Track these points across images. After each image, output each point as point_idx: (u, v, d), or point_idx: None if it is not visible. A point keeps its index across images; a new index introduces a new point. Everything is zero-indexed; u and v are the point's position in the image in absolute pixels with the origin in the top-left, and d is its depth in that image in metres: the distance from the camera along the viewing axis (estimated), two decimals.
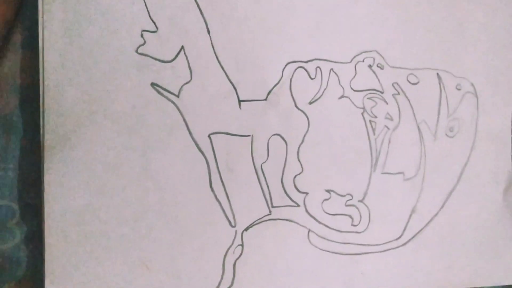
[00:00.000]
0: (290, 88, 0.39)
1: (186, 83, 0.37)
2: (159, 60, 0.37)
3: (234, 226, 0.38)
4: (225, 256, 0.38)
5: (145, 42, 0.36)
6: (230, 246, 0.38)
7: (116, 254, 0.36)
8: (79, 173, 0.36)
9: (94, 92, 0.36)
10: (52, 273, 0.35)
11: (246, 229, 0.38)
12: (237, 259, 0.38)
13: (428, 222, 0.42)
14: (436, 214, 0.42)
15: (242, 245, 0.38)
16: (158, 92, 0.37)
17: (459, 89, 0.43)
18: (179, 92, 0.37)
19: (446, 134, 0.42)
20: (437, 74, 0.42)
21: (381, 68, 0.41)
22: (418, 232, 0.42)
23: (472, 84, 0.43)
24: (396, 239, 0.42)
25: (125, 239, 0.36)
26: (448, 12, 0.42)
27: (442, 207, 0.42)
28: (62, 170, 0.35)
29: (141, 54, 0.36)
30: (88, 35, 0.36)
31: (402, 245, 0.42)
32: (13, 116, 0.37)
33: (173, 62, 0.37)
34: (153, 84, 0.36)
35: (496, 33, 0.43)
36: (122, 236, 0.36)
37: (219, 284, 0.38)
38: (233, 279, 0.38)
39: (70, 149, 0.35)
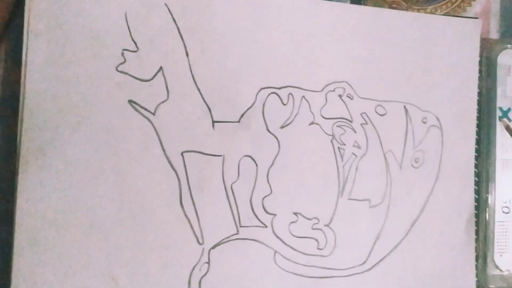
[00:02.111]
0: (263, 112, 0.40)
1: (163, 102, 0.38)
2: (138, 79, 0.38)
3: (202, 244, 0.39)
4: (191, 273, 0.39)
5: (125, 61, 0.38)
6: (197, 263, 0.39)
7: (84, 266, 0.37)
8: (52, 184, 0.36)
9: (73, 106, 0.37)
10: (18, 282, 0.36)
11: (213, 247, 0.39)
12: (203, 277, 0.39)
13: (392, 249, 0.43)
14: (400, 242, 0.44)
15: (208, 262, 0.39)
16: (135, 109, 0.38)
17: (424, 122, 0.45)
18: (155, 110, 0.38)
19: (411, 165, 0.44)
20: (404, 107, 0.44)
21: (351, 98, 0.43)
22: (382, 259, 0.43)
23: (437, 118, 0.45)
24: (361, 264, 0.43)
25: (94, 251, 0.37)
26: (416, 50, 0.44)
27: (406, 235, 0.44)
28: (36, 180, 0.36)
29: (121, 72, 0.38)
30: (70, 52, 0.37)
31: (367, 270, 0.43)
32: None
33: (151, 81, 0.38)
34: (130, 101, 0.38)
35: (460, 71, 0.46)
36: (91, 249, 0.37)
37: None
38: None
39: (45, 161, 0.36)
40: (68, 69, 0.37)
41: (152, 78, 0.38)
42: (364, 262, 0.43)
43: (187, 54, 0.39)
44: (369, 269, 0.43)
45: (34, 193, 0.36)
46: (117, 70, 0.38)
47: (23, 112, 0.36)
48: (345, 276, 0.42)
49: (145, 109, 0.38)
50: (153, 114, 0.38)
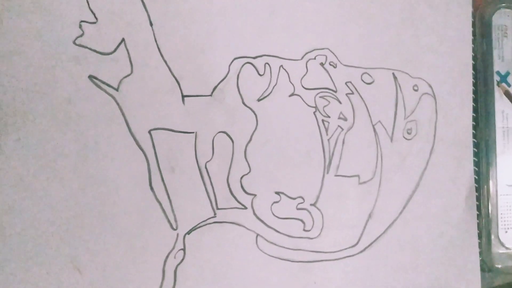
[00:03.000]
0: (237, 84, 0.37)
1: (126, 76, 0.35)
2: (98, 52, 0.35)
3: (176, 229, 0.36)
4: (165, 261, 0.35)
5: (83, 33, 0.35)
6: (171, 251, 0.35)
7: (45, 256, 0.33)
8: (10, 167, 0.33)
9: (29, 83, 0.34)
10: None
11: (188, 232, 0.36)
12: (178, 265, 0.36)
13: (386, 229, 0.40)
14: (394, 221, 0.40)
15: (184, 249, 0.36)
16: (96, 85, 0.35)
17: (416, 90, 0.41)
18: (119, 85, 0.35)
19: (403, 136, 0.41)
20: (393, 74, 0.41)
21: (334, 66, 0.39)
22: (376, 239, 0.40)
23: (430, 85, 0.42)
24: (352, 246, 0.39)
25: (56, 239, 0.34)
26: (403, 12, 0.41)
27: (400, 213, 0.40)
28: None
29: (79, 45, 0.35)
30: (23, 24, 0.34)
31: (359, 252, 0.39)
32: None
33: (113, 54, 0.35)
34: (90, 77, 0.35)
35: (452, 34, 0.42)
36: (53, 236, 0.34)
37: None
38: (174, 286, 0.35)
39: (2, 142, 0.33)
40: (21, 43, 0.34)
41: (113, 51, 0.35)
42: (356, 244, 0.39)
43: (151, 24, 0.36)
44: (361, 251, 0.39)
45: None
46: (74, 43, 0.35)
47: None
48: (335, 259, 0.39)
49: (108, 85, 0.35)
50: (116, 90, 0.35)
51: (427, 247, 0.40)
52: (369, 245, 0.39)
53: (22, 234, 0.33)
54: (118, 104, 0.35)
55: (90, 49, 0.35)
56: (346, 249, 0.39)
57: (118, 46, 0.35)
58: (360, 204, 0.39)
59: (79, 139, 0.34)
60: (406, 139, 0.41)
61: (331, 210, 0.39)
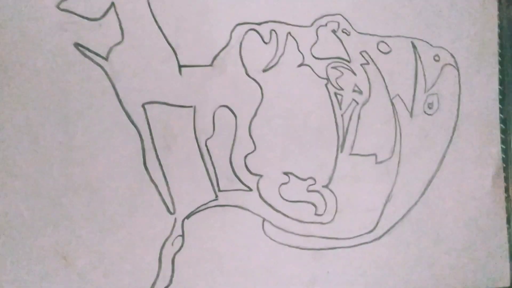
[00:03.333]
0: (240, 53, 0.34)
1: (116, 44, 0.32)
2: (85, 18, 0.31)
3: (173, 213, 0.32)
4: (162, 248, 0.32)
5: None
6: (168, 237, 0.32)
7: (27, 242, 0.30)
8: None
9: (9, 51, 0.30)
10: None
11: (187, 217, 0.32)
12: (176, 253, 0.32)
13: (406, 213, 0.36)
14: (414, 204, 0.37)
15: (182, 235, 0.32)
16: (83, 53, 0.31)
17: (437, 60, 0.37)
18: (108, 54, 0.32)
19: (424, 111, 0.37)
20: (412, 42, 0.37)
21: (347, 34, 0.36)
22: (395, 224, 0.36)
23: (452, 55, 0.38)
24: (369, 232, 0.36)
25: (39, 224, 0.30)
26: None
27: (421, 195, 0.37)
28: None
29: (64, 10, 0.31)
30: None
31: (376, 239, 0.36)
32: None
33: (101, 20, 0.32)
34: (76, 45, 0.31)
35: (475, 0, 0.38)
36: (36, 221, 0.30)
37: (155, 282, 0.32)
38: (172, 276, 0.32)
39: None
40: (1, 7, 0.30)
41: (102, 17, 0.32)
42: (373, 230, 0.36)
43: None
44: (379, 238, 0.36)
45: None
46: (58, 8, 0.31)
47: None
48: (350, 246, 0.35)
49: (96, 54, 0.31)
50: (106, 59, 0.32)
51: (450, 232, 0.37)
52: (387, 231, 0.36)
53: (5, 219, 0.30)
54: (107, 74, 0.32)
55: (76, 14, 0.31)
56: (362, 235, 0.35)
57: (107, 11, 0.32)
58: (377, 185, 0.36)
59: (64, 114, 0.31)
60: (427, 114, 0.37)
61: (345, 193, 0.35)
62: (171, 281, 0.32)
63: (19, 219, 0.30)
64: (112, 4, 0.32)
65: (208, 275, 0.33)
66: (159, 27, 0.32)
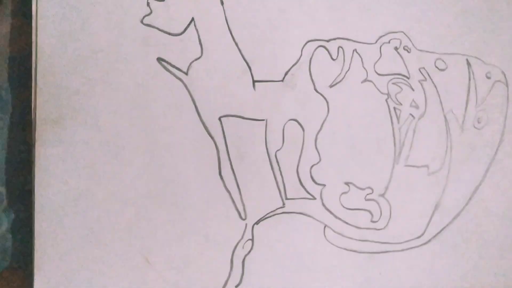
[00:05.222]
0: (309, 69, 0.35)
1: (196, 60, 0.33)
2: (167, 33, 0.33)
3: (244, 219, 0.35)
4: (233, 251, 0.34)
5: (151, 12, 0.33)
6: (240, 241, 0.35)
7: (112, 245, 0.33)
8: (74, 154, 0.32)
9: (93, 65, 0.32)
10: (42, 265, 0.32)
11: (257, 223, 0.35)
12: (246, 255, 0.35)
13: (453, 219, 0.39)
14: (461, 211, 0.39)
15: (252, 239, 0.35)
16: (165, 68, 0.33)
17: (489, 78, 0.39)
18: (188, 69, 0.33)
19: (473, 126, 0.39)
20: (467, 60, 0.39)
21: (408, 51, 0.37)
22: (442, 230, 0.39)
23: (503, 72, 0.40)
24: (418, 237, 0.38)
25: (123, 229, 0.33)
26: None
27: (467, 203, 0.39)
28: (55, 151, 0.32)
29: (147, 25, 0.33)
30: (88, 3, 0.32)
31: (424, 243, 0.38)
32: (1, 91, 0.33)
33: (182, 35, 0.33)
34: (159, 59, 0.33)
35: None
36: (120, 226, 0.33)
37: (227, 281, 0.34)
38: (242, 276, 0.35)
39: (65, 128, 0.32)
40: (86, 23, 0.32)
41: (183, 32, 0.33)
42: (422, 235, 0.38)
43: (221, 2, 0.34)
44: (427, 242, 0.38)
45: (54, 165, 0.32)
46: (142, 23, 0.32)
47: (36, 75, 0.31)
48: (401, 250, 0.38)
49: (177, 68, 0.33)
50: (186, 73, 0.33)
51: (494, 240, 0.39)
52: (434, 236, 0.39)
53: (92, 224, 0.32)
54: (187, 89, 0.33)
55: (158, 29, 0.33)
56: (411, 240, 0.38)
57: (187, 27, 0.33)
58: (427, 195, 0.38)
59: (147, 125, 0.33)
60: (476, 128, 0.39)
61: (399, 201, 0.37)
62: (241, 280, 0.35)
63: (105, 223, 0.32)
64: (192, 19, 0.33)
65: (274, 275, 0.35)
66: (236, 43, 0.34)
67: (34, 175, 0.32)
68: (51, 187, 0.32)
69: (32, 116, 0.31)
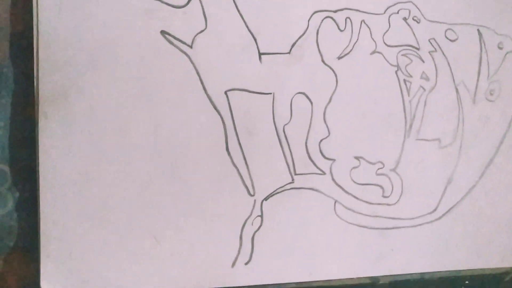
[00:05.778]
0: (317, 41, 0.34)
1: (200, 32, 0.33)
2: (170, 5, 0.32)
3: (253, 195, 0.34)
4: (242, 228, 0.34)
5: None
6: (249, 217, 0.34)
7: (120, 223, 0.32)
8: (79, 132, 0.31)
9: (96, 40, 0.31)
10: (48, 244, 0.31)
11: (266, 199, 0.34)
12: (256, 232, 0.34)
13: (465, 194, 0.38)
14: (474, 186, 0.38)
15: (261, 216, 0.34)
16: (169, 41, 0.32)
17: (501, 48, 0.38)
18: (192, 42, 0.32)
19: (486, 98, 0.38)
20: (478, 30, 0.38)
21: (417, 21, 0.36)
22: (454, 205, 0.38)
23: None
24: (430, 213, 0.38)
25: (131, 206, 0.32)
26: None
27: (480, 177, 0.38)
28: (59, 129, 0.31)
29: None
30: None
31: (437, 219, 0.38)
32: (3, 68, 0.32)
33: (186, 7, 0.32)
34: (163, 32, 0.32)
35: None
36: (127, 203, 0.32)
37: (236, 258, 0.34)
38: (252, 253, 0.34)
39: (69, 105, 0.31)
40: None
41: (186, 4, 0.32)
42: (434, 210, 0.38)
43: None
44: (439, 218, 0.38)
45: (58, 142, 0.31)
46: None
47: (38, 50, 0.31)
48: (413, 226, 0.37)
49: (181, 41, 0.32)
50: (190, 46, 0.32)
51: (508, 214, 0.39)
52: (447, 211, 0.38)
53: (99, 202, 0.32)
54: (192, 62, 0.33)
55: (161, 1, 0.32)
56: (424, 215, 0.37)
57: None
58: (440, 169, 0.37)
59: (152, 100, 0.32)
60: (488, 100, 0.38)
61: (410, 176, 0.37)
62: (250, 257, 0.34)
63: (112, 201, 0.32)
64: None
65: (284, 252, 0.35)
66: (241, 15, 0.33)
67: (38, 153, 0.31)
68: (56, 164, 0.31)
69: (35, 92, 0.31)
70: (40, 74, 0.31)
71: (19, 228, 0.32)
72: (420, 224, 0.37)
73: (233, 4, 0.33)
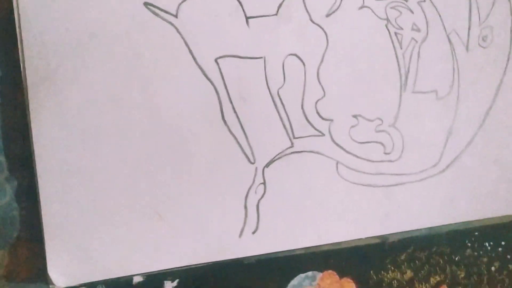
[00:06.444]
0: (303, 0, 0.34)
1: (184, 1, 0.32)
2: None
3: (254, 163, 0.33)
4: (246, 197, 0.33)
5: None
6: (251, 186, 0.33)
7: (122, 203, 0.31)
8: (71, 115, 0.31)
9: (79, 17, 0.30)
10: (52, 231, 0.31)
11: (267, 165, 0.34)
12: (260, 200, 0.34)
13: (467, 144, 0.38)
14: (474, 135, 0.38)
15: (264, 183, 0.34)
16: (154, 12, 0.31)
17: None
18: (177, 11, 0.32)
19: (479, 45, 0.38)
20: None
21: None
22: (457, 156, 0.38)
23: None
24: (434, 166, 0.37)
25: (132, 185, 0.31)
26: None
27: (480, 126, 0.38)
28: (50, 113, 0.30)
29: None
30: None
31: (441, 171, 0.37)
32: None
33: None
34: (146, 4, 0.31)
35: None
36: (128, 182, 0.31)
37: (243, 228, 0.33)
38: (258, 221, 0.34)
39: (58, 88, 0.30)
40: None
41: None
42: (438, 163, 0.37)
43: None
44: (443, 170, 0.37)
45: (51, 127, 0.30)
46: None
47: (21, 31, 0.30)
48: (417, 180, 0.37)
49: (165, 12, 0.32)
50: (175, 16, 0.32)
51: (510, 161, 0.38)
52: (450, 163, 0.37)
53: (99, 184, 0.31)
54: (179, 32, 0.32)
55: None
56: (427, 169, 0.37)
57: None
58: (439, 121, 0.37)
59: (141, 75, 0.31)
60: (482, 47, 0.38)
61: (410, 130, 0.36)
62: (257, 226, 0.34)
63: (112, 182, 0.31)
64: None
65: (290, 217, 0.34)
66: None
67: (32, 140, 0.30)
68: (51, 150, 0.31)
69: (22, 76, 0.30)
70: (25, 59, 0.30)
71: (21, 217, 0.32)
72: (424, 178, 0.37)
73: None
